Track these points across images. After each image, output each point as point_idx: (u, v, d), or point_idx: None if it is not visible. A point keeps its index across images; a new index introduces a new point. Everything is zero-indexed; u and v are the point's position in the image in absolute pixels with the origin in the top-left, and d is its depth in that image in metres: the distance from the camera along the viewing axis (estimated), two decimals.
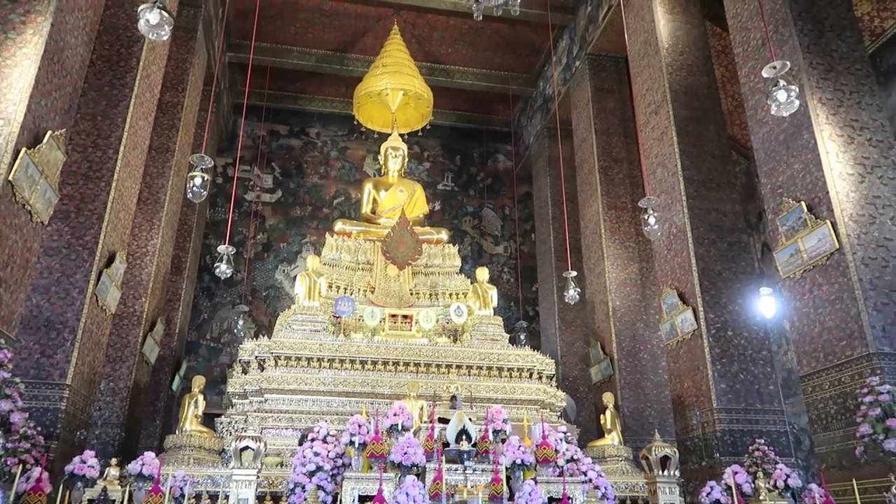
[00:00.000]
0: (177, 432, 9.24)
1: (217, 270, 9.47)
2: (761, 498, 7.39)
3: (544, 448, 6.83)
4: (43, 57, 6.62)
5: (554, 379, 11.03)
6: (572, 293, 10.83)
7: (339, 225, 13.16)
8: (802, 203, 8.15)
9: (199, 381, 9.79)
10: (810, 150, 8.18)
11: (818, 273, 7.96)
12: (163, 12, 5.15)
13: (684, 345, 10.45)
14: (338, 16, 17.10)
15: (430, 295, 12.19)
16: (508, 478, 6.60)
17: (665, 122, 11.58)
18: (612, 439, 10.20)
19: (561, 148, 16.61)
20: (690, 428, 10.11)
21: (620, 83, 15.49)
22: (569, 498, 6.50)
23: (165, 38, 5.39)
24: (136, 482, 6.55)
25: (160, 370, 13.21)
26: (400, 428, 6.92)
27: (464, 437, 6.68)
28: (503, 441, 6.91)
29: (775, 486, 7.59)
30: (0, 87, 6.33)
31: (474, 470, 6.52)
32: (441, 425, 7.04)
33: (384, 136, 15.13)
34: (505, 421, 7.06)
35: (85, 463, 6.44)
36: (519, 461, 6.58)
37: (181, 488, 6.65)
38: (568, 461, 7.37)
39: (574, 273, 11.03)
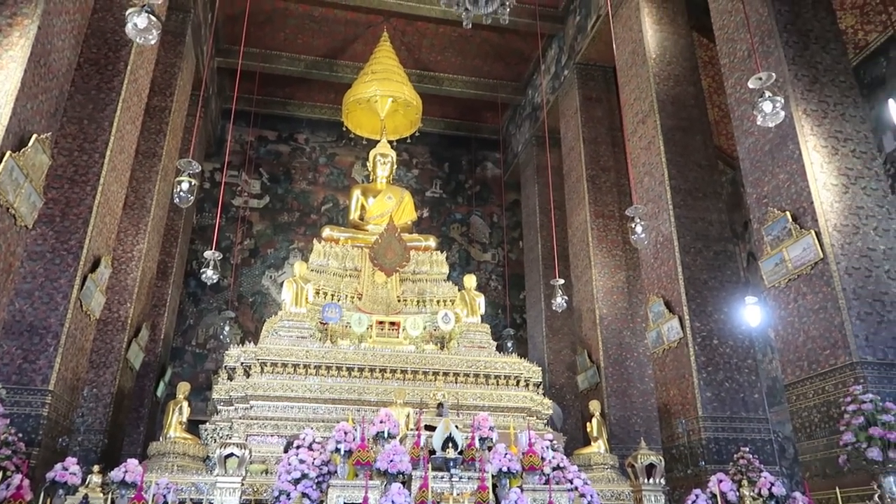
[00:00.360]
0: (161, 439, 9.15)
1: (203, 276, 9.42)
2: None
3: (530, 456, 6.83)
4: (29, 60, 6.58)
5: (541, 386, 11.03)
6: (560, 301, 10.86)
7: (326, 231, 13.13)
8: (787, 213, 8.23)
9: (183, 388, 9.71)
10: (795, 161, 8.27)
11: (802, 282, 8.03)
12: (151, 16, 5.13)
13: (670, 353, 10.50)
14: (327, 22, 17.11)
15: (418, 302, 12.18)
16: (495, 486, 6.58)
17: (652, 131, 11.67)
18: (599, 447, 10.21)
19: (549, 156, 16.67)
20: (676, 436, 10.15)
21: (608, 92, 15.60)
22: None
23: (153, 42, 5.36)
24: (119, 489, 6.48)
25: (145, 376, 13.09)
26: (386, 435, 6.90)
27: (450, 444, 6.67)
28: (489, 449, 6.90)
29: (760, 495, 7.61)
30: None
31: (460, 478, 6.51)
32: (427, 433, 7.02)
33: (373, 143, 15.14)
34: (491, 428, 7.06)
35: (67, 470, 6.36)
36: (505, 469, 6.57)
37: (164, 496, 6.59)
38: (554, 469, 7.37)
39: (561, 281, 11.05)
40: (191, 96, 15.07)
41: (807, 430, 7.80)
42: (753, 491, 7.64)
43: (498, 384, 10.48)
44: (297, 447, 7.35)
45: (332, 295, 11.83)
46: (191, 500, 7.57)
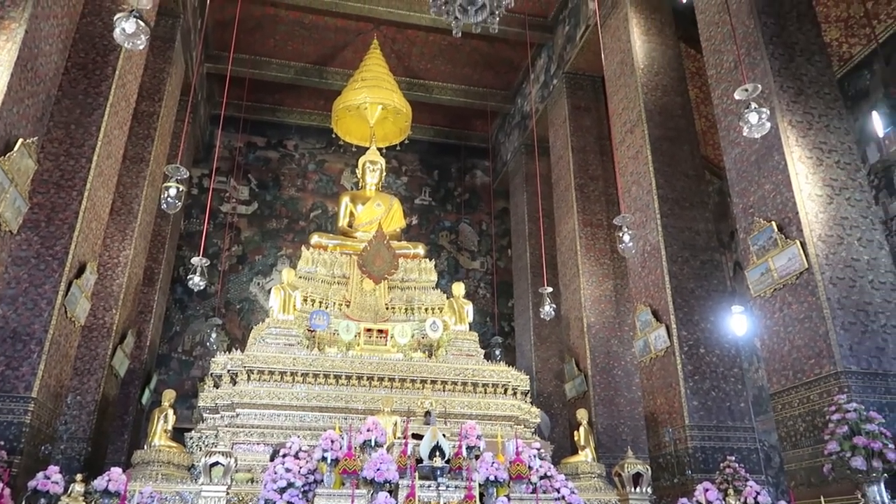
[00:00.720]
0: (145, 447, 9.06)
1: (190, 282, 9.35)
2: None
3: (518, 464, 6.83)
4: (16, 64, 6.53)
5: (528, 395, 11.03)
6: (548, 309, 10.88)
7: (315, 238, 13.09)
8: (773, 223, 8.30)
9: (169, 395, 9.62)
10: (781, 172, 8.35)
11: (788, 292, 8.10)
12: (139, 22, 5.11)
13: (657, 362, 10.54)
14: (318, 29, 17.13)
15: (406, 309, 12.16)
16: (482, 494, 6.58)
17: (640, 141, 11.75)
18: (586, 456, 10.21)
19: (538, 164, 16.75)
20: (663, 445, 10.17)
21: (597, 102, 15.70)
22: None
23: (142, 47, 5.34)
24: (102, 499, 6.41)
25: (130, 383, 12.97)
26: (373, 444, 6.88)
27: (437, 453, 6.66)
28: (477, 457, 6.89)
29: (745, 503, 7.65)
30: None
31: (447, 486, 6.49)
32: (415, 441, 7.01)
33: (362, 150, 15.13)
34: (479, 437, 7.05)
35: (49, 478, 6.29)
36: (492, 478, 6.56)
37: None
38: (541, 478, 7.37)
39: (550, 289, 11.08)
40: (179, 101, 15.02)
41: (792, 439, 7.85)
42: (739, 500, 7.67)
43: (486, 392, 10.47)
44: (284, 455, 7.31)
45: (320, 302, 11.79)
46: None
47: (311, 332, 10.98)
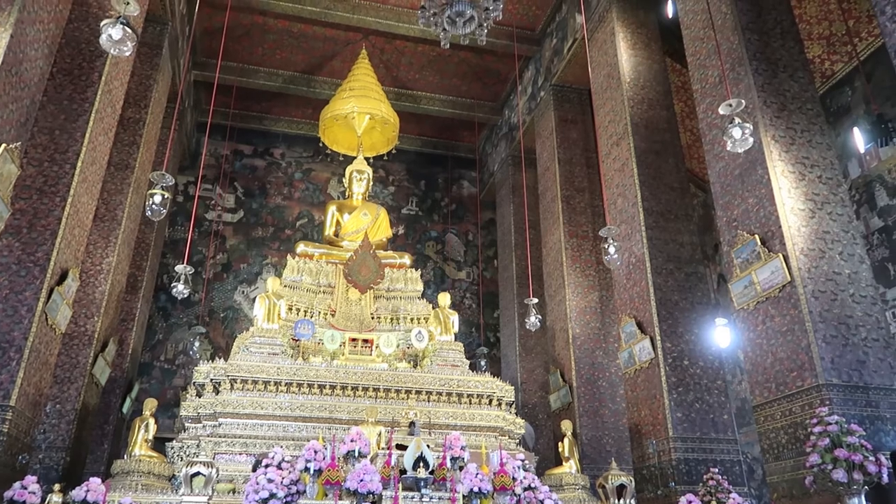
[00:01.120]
0: (125, 457, 8.94)
1: (174, 290, 9.28)
2: None
3: (502, 476, 6.81)
4: (0, 68, 6.47)
5: (513, 406, 11.03)
6: (533, 320, 10.90)
7: (301, 247, 13.05)
8: (756, 236, 8.38)
9: (150, 404, 9.52)
10: (764, 186, 8.45)
11: (771, 305, 8.17)
12: (126, 28, 5.10)
13: (642, 373, 10.58)
14: (306, 38, 17.15)
15: (392, 319, 12.13)
16: None
17: (626, 153, 11.85)
18: (570, 467, 10.21)
19: (525, 176, 16.83)
20: (647, 456, 10.19)
21: (584, 114, 15.82)
22: None
23: (128, 53, 5.32)
24: None
25: (111, 392, 12.81)
26: (357, 454, 6.84)
27: (421, 464, 6.63)
28: (461, 468, 6.87)
29: None
30: None
31: (431, 498, 6.46)
32: (399, 452, 6.98)
33: (349, 159, 15.13)
34: (463, 448, 7.03)
35: (26, 489, 6.19)
36: (476, 489, 6.54)
37: None
38: (525, 489, 7.34)
39: (535, 300, 11.11)
40: (166, 108, 14.94)
41: (774, 452, 7.89)
42: None
43: (470, 403, 10.45)
44: (266, 466, 7.23)
45: (305, 311, 11.74)
46: None
47: (296, 341, 10.92)
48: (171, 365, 16.91)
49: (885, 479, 6.56)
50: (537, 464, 10.47)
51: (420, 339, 11.22)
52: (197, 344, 16.35)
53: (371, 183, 14.66)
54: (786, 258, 7.94)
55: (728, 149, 7.21)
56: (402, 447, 7.28)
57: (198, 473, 6.99)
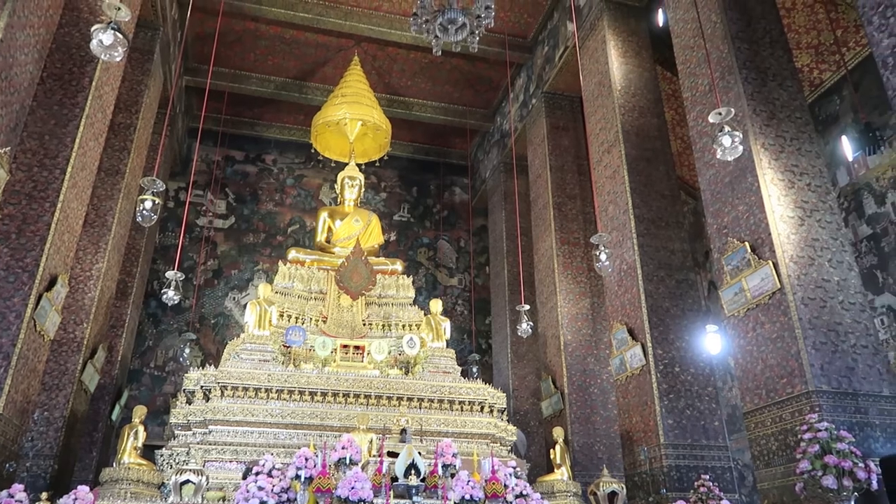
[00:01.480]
0: (114, 465, 8.86)
1: (164, 296, 9.21)
2: None
3: (493, 483, 6.79)
4: None
5: (505, 413, 11.01)
6: (525, 327, 10.91)
7: (292, 253, 13.01)
8: (746, 244, 8.43)
9: (139, 411, 9.45)
10: (754, 193, 8.50)
11: (761, 312, 8.21)
12: (117, 33, 5.09)
13: (633, 380, 10.60)
14: (298, 44, 17.15)
15: (383, 326, 12.11)
16: None
17: (617, 161, 11.90)
18: (562, 474, 10.20)
19: (516, 183, 16.88)
20: (638, 463, 10.20)
21: (575, 122, 15.89)
22: None
23: (119, 59, 5.31)
24: None
25: (100, 399, 12.71)
26: (348, 462, 6.80)
27: (413, 471, 6.61)
28: (452, 476, 6.85)
29: None
30: None
31: None
32: (390, 459, 6.95)
33: (341, 165, 15.12)
34: (455, 455, 7.01)
35: (13, 497, 6.12)
36: (468, 496, 6.52)
37: None
38: (517, 496, 7.33)
39: (527, 307, 11.12)
40: (157, 114, 14.90)
41: (765, 458, 7.92)
42: None
43: (462, 410, 10.43)
44: (257, 474, 7.19)
45: (297, 318, 11.70)
46: None
47: (287, 347, 10.88)
48: (161, 372, 16.79)
49: (875, 485, 6.60)
50: (529, 471, 10.46)
51: (412, 346, 11.19)
52: (187, 351, 16.24)
53: (363, 189, 14.65)
54: (775, 265, 7.99)
55: (718, 156, 7.25)
56: (393, 454, 7.25)
57: (187, 481, 6.94)
